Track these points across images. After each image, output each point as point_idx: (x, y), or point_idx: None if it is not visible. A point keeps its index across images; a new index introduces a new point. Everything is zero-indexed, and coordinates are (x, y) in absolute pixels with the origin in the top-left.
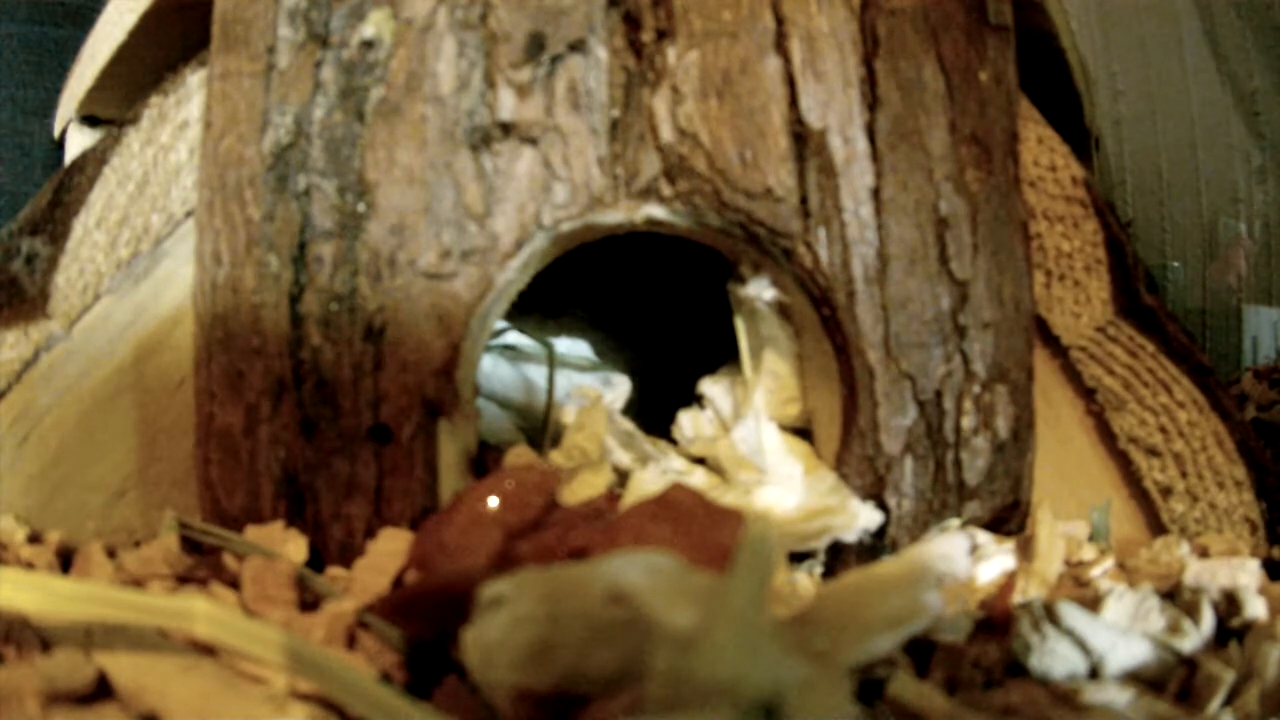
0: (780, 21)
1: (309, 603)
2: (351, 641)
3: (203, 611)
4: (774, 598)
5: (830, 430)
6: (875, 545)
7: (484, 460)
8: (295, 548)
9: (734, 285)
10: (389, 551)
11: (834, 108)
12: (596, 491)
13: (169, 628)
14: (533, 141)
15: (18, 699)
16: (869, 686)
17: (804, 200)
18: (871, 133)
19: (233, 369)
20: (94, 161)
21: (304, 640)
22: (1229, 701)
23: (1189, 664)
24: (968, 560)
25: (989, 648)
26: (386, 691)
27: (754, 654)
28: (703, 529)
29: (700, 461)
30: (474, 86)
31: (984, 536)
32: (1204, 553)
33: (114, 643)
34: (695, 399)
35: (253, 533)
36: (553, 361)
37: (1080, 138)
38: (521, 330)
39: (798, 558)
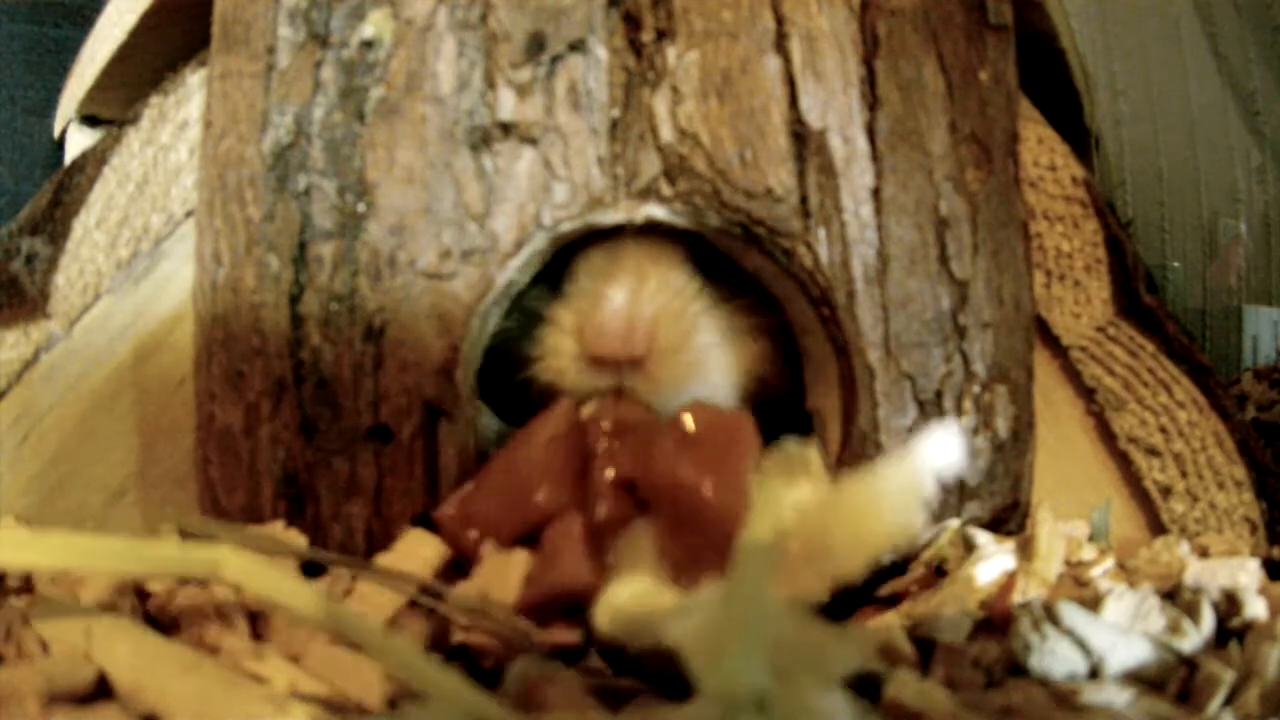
0: (780, 21)
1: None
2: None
3: (231, 561)
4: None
5: (831, 430)
6: None
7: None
8: (295, 546)
9: None
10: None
11: (834, 108)
12: None
13: (198, 577)
14: (533, 141)
15: (18, 699)
16: (867, 683)
17: (804, 200)
18: (871, 133)
19: (233, 369)
20: (94, 161)
21: (330, 593)
22: (1229, 701)
23: (1189, 664)
24: (960, 454)
25: (989, 648)
26: (402, 643)
27: (750, 666)
28: (720, 452)
29: None
30: (474, 86)
31: (984, 536)
32: (1204, 553)
33: (114, 642)
34: None
35: (253, 532)
36: None
37: (1080, 138)
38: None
39: None
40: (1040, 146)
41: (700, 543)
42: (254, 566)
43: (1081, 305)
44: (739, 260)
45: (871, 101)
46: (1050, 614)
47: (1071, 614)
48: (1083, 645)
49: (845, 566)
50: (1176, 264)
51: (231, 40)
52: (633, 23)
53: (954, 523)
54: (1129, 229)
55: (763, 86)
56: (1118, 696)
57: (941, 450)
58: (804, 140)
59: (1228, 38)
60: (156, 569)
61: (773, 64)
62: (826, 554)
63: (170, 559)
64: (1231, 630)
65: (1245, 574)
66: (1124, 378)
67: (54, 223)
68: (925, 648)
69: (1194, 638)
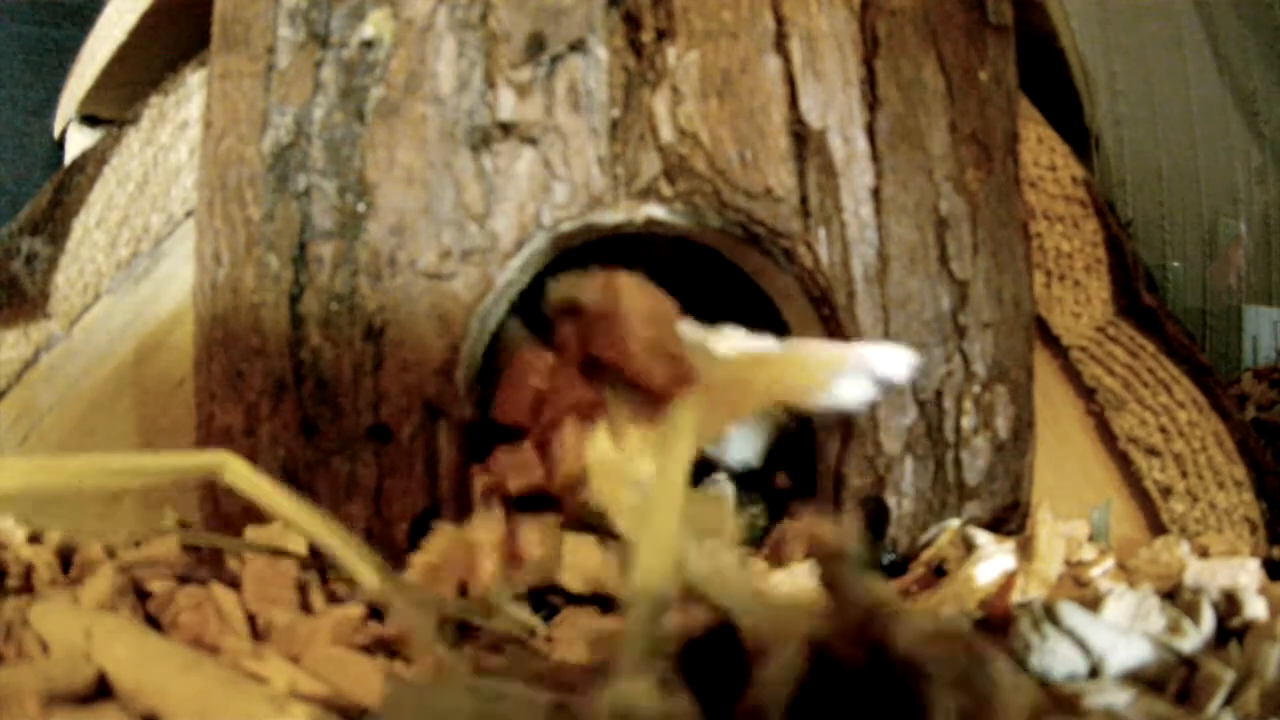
0: (780, 21)
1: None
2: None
3: (233, 465)
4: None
5: (831, 431)
6: (876, 545)
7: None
8: (295, 548)
9: None
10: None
11: (834, 108)
12: None
13: (197, 475)
14: (533, 141)
15: (18, 699)
16: None
17: (804, 200)
18: (871, 133)
19: (233, 369)
20: (94, 161)
21: (318, 511)
22: (1229, 701)
23: (1189, 664)
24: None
25: None
26: (378, 561)
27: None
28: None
29: None
30: (474, 86)
31: (984, 536)
32: (1204, 553)
33: (114, 642)
34: None
35: (253, 533)
36: None
37: (1080, 138)
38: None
39: None
40: (1040, 146)
41: (636, 401)
42: (256, 476)
43: (1081, 305)
44: (738, 261)
45: (871, 101)
46: (1050, 614)
47: (1071, 614)
48: (1083, 645)
49: (742, 412)
50: (1176, 264)
51: (231, 40)
52: (633, 23)
53: (954, 523)
54: (1129, 229)
55: (763, 86)
56: (1118, 696)
57: (890, 360)
58: (804, 140)
59: (1228, 38)
60: (158, 477)
61: (773, 64)
62: (738, 400)
63: (171, 466)
64: (1231, 630)
65: (1245, 574)
66: (1124, 378)
67: (54, 223)
68: None
69: (1194, 638)
